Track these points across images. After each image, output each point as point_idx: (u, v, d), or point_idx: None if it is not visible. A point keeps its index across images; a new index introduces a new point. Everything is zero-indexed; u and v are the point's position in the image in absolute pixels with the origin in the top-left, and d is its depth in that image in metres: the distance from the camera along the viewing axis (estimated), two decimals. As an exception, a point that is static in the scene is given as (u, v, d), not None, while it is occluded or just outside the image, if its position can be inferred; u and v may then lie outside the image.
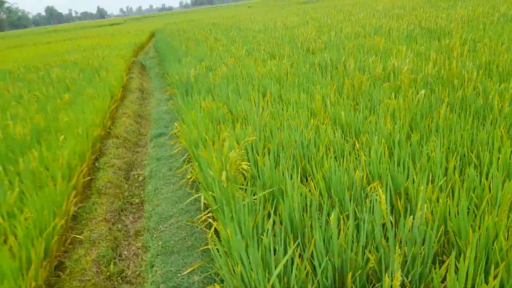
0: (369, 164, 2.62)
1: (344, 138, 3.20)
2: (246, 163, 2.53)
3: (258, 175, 2.80)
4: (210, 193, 2.74)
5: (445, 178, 2.33)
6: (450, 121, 3.09)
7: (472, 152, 2.62)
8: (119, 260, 3.13)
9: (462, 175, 2.45)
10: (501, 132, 2.78)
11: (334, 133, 3.21)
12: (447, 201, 1.97)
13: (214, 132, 3.83)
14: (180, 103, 5.08)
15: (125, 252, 3.27)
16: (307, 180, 2.89)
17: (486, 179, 2.30)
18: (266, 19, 18.28)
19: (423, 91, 3.34)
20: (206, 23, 22.19)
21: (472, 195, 2.09)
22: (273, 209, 2.28)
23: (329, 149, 3.09)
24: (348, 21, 11.89)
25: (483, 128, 2.94)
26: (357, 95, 4.18)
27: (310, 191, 2.51)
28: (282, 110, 4.07)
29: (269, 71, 5.93)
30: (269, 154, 3.22)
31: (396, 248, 1.59)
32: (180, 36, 15.31)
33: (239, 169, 2.56)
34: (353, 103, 4.03)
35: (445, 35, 7.01)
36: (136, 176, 4.66)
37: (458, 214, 1.83)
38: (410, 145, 2.78)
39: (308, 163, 2.93)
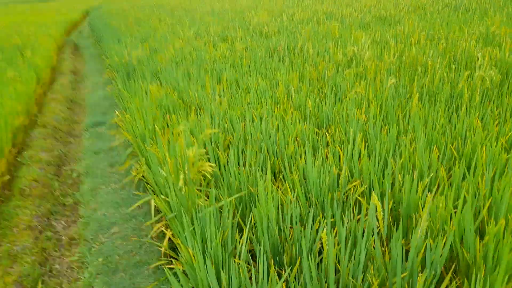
0: (348, 160, 2.32)
1: (314, 131, 2.88)
2: (210, 164, 2.09)
3: (221, 174, 2.39)
4: (163, 197, 2.27)
5: (431, 175, 2.11)
6: (422, 112, 2.91)
7: (452, 145, 2.44)
8: (49, 277, 2.55)
9: (448, 172, 2.26)
10: (476, 122, 2.65)
11: (303, 124, 2.88)
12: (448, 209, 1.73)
13: (164, 122, 3.31)
14: (120, 88, 4.43)
15: (57, 266, 2.69)
16: (276, 179, 2.54)
17: (473, 176, 2.11)
18: (214, 1, 17.49)
19: (393, 79, 3.12)
20: (147, 3, 20.73)
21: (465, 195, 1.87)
22: (247, 220, 1.88)
23: (298, 142, 2.75)
24: (298, 7, 11.66)
25: (457, 118, 2.79)
26: (321, 83, 3.89)
27: (283, 193, 2.15)
28: (241, 97, 3.66)
29: (222, 55, 5.45)
30: (230, 148, 2.81)
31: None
32: (119, 15, 14.04)
33: (200, 171, 2.12)
34: (317, 91, 3.74)
35: (395, 23, 7.03)
36: (69, 172, 3.98)
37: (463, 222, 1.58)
38: (387, 138, 2.54)
39: (277, 158, 2.57)
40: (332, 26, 6.43)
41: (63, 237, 2.98)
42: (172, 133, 2.83)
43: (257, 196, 2.05)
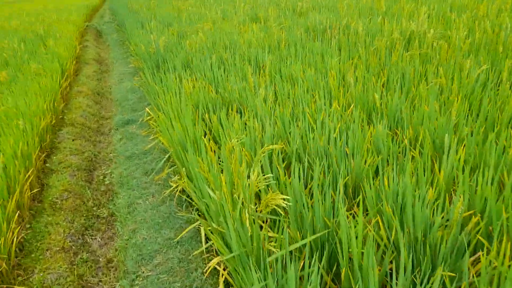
0: (446, 181, 1.81)
1: (389, 135, 2.36)
2: (283, 196, 1.64)
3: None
4: (215, 226, 1.86)
5: None
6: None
7: None
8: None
9: None
10: None
11: (374, 127, 2.37)
12: None
13: (204, 125, 2.87)
14: (150, 82, 4.01)
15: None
16: (350, 203, 2.07)
17: None
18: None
19: (484, 66, 2.52)
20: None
21: None
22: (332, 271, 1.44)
23: (371, 151, 2.25)
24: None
25: None
26: (382, 69, 3.32)
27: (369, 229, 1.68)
28: (287, 90, 3.15)
29: (257, 37, 4.91)
30: (288, 164, 2.35)
31: None
32: (140, -4, 13.53)
33: (270, 205, 1.68)
34: (378, 80, 3.18)
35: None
36: (101, 178, 3.65)
37: None
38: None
39: (350, 177, 2.08)
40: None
41: (100, 259, 2.67)
42: (216, 143, 2.38)
43: (338, 232, 1.60)
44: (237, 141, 1.95)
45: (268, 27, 5.40)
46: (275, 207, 1.65)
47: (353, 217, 1.99)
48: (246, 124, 2.69)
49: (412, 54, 3.49)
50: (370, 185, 1.82)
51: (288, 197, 1.65)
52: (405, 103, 2.66)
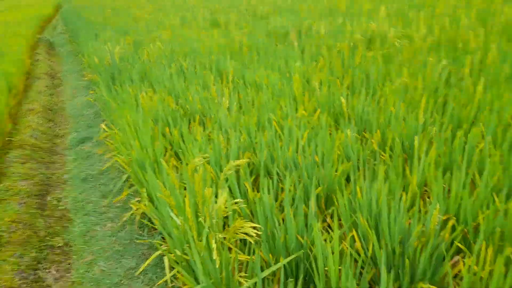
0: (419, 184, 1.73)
1: (358, 139, 2.27)
2: (252, 225, 1.48)
3: (252, 215, 1.79)
4: (179, 253, 1.67)
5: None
6: (493, 99, 2.32)
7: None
8: None
9: None
10: None
11: (342, 132, 2.27)
12: None
13: (164, 140, 2.67)
14: (105, 96, 3.75)
15: None
16: (323, 214, 1.95)
17: None
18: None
19: (444, 61, 2.50)
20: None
21: None
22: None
23: (341, 157, 2.14)
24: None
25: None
26: (346, 71, 3.26)
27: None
28: (252, 97, 3.02)
29: (218, 44, 4.75)
30: (257, 176, 2.21)
31: None
32: (94, 6, 13.01)
33: (237, 233, 1.51)
34: (343, 82, 3.11)
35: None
36: (54, 203, 3.34)
37: None
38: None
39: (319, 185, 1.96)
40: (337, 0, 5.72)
41: (56, 296, 2.40)
42: (179, 159, 2.20)
43: (312, 249, 1.47)
44: (200, 160, 1.78)
45: (229, 32, 5.26)
46: (244, 235, 1.49)
47: (328, 232, 1.87)
48: (209, 137, 2.53)
49: (374, 55, 3.46)
50: (342, 195, 1.71)
51: (258, 226, 1.49)
52: (371, 105, 2.60)
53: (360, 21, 4.42)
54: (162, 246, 1.88)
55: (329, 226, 1.93)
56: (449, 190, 1.78)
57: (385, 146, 2.25)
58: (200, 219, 1.61)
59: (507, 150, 1.90)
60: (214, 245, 1.38)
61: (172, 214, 1.69)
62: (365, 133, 2.48)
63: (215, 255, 1.36)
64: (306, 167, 2.01)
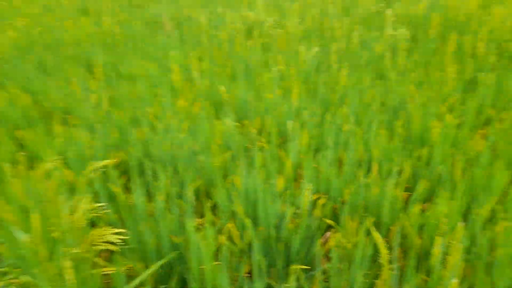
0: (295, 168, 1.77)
1: (238, 127, 2.24)
2: (114, 231, 1.29)
3: (122, 220, 1.60)
4: (25, 279, 1.40)
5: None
6: (356, 82, 2.52)
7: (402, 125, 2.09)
8: None
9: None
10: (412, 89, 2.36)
11: (224, 121, 2.21)
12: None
13: (14, 146, 2.25)
14: None
15: None
16: (204, 207, 1.85)
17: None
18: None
19: (316, 48, 2.63)
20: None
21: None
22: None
23: (222, 147, 2.08)
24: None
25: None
26: (226, 60, 3.21)
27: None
28: (126, 90, 2.75)
29: (87, 33, 4.25)
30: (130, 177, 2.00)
31: None
32: None
33: (99, 245, 1.30)
34: (224, 72, 3.06)
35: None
36: None
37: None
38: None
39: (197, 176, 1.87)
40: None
41: None
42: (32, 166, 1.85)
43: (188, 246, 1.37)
44: (54, 162, 1.50)
45: (101, 21, 4.77)
46: (107, 244, 1.30)
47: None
48: (72, 135, 2.21)
49: (254, 44, 3.50)
50: (221, 186, 1.64)
51: (122, 230, 1.32)
52: (250, 93, 2.59)
53: (240, 11, 4.44)
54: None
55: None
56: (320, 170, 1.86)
57: (263, 133, 2.27)
58: (53, 234, 1.36)
59: (367, 128, 2.08)
60: (67, 263, 1.16)
61: (16, 232, 1.40)
62: (245, 121, 2.47)
63: (68, 275, 1.15)
64: (184, 160, 1.89)
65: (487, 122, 2.29)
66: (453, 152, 1.91)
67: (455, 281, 0.99)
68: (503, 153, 1.87)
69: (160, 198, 1.55)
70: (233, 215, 1.65)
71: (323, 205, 1.65)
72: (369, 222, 1.39)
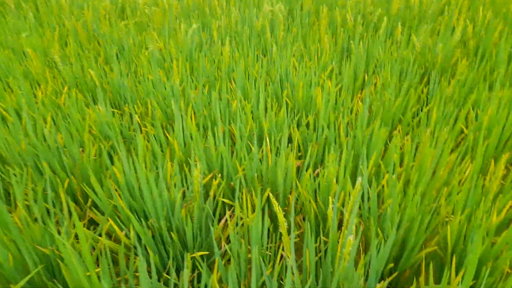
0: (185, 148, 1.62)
1: (115, 115, 1.97)
2: None
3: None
4: None
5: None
6: (240, 57, 2.45)
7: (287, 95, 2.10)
8: None
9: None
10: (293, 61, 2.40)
11: (95, 109, 1.91)
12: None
13: None
14: None
15: None
16: (80, 205, 1.58)
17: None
18: None
19: (194, 25, 2.47)
20: None
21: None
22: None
23: (96, 137, 1.81)
24: None
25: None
26: (98, 43, 2.83)
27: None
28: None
29: None
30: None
31: None
32: None
33: None
34: (96, 55, 2.69)
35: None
36: None
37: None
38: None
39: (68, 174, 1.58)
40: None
41: None
42: None
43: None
44: None
45: None
46: None
47: (90, 228, 1.54)
48: None
49: (127, 24, 3.16)
50: (96, 180, 1.40)
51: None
52: (128, 76, 2.33)
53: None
54: None
55: (92, 220, 1.60)
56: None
57: (147, 117, 2.05)
58: None
59: (255, 103, 2.03)
60: None
61: None
62: (125, 107, 2.20)
63: None
64: (47, 158, 1.57)
65: (362, 86, 2.47)
66: (336, 116, 1.99)
67: (351, 238, 0.99)
68: (378, 113, 2.02)
69: (20, 204, 1.25)
70: (117, 211, 1.43)
71: (218, 184, 1.55)
72: (265, 194, 1.34)
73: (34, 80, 2.41)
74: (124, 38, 2.87)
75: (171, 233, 1.20)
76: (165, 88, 2.13)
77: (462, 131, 2.08)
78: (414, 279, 1.26)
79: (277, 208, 1.10)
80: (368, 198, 1.50)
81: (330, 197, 1.13)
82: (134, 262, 1.29)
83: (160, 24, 3.04)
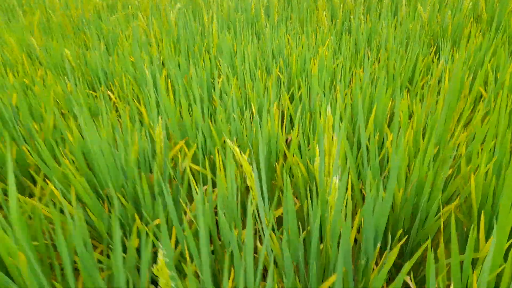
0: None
1: (87, 93, 1.78)
2: None
3: None
4: None
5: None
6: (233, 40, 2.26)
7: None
8: None
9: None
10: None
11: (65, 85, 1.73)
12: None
13: None
14: None
15: None
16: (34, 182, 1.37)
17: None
18: None
19: (178, 4, 2.31)
20: None
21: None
22: None
23: (62, 113, 1.61)
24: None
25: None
26: (81, 34, 2.70)
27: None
28: None
29: None
30: None
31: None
32: None
33: None
34: (79, 44, 2.55)
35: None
36: None
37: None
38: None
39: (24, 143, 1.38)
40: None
41: None
42: None
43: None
44: None
45: None
46: None
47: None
48: None
49: (118, 18, 3.04)
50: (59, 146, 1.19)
51: None
52: (110, 58, 2.16)
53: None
54: None
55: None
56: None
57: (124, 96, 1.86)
58: None
59: (242, 76, 1.83)
60: None
61: None
62: (101, 88, 2.02)
63: None
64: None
65: (363, 64, 2.24)
66: (334, 85, 1.76)
67: (335, 179, 0.74)
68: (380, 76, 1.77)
69: None
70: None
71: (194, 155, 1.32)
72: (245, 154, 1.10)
73: (11, 66, 2.26)
74: (111, 29, 2.74)
75: (120, 196, 0.96)
76: (144, 64, 1.94)
77: (481, 96, 1.81)
78: (431, 250, 0.98)
79: (239, 155, 0.86)
80: (367, 150, 1.25)
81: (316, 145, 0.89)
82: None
83: (145, 6, 2.90)
